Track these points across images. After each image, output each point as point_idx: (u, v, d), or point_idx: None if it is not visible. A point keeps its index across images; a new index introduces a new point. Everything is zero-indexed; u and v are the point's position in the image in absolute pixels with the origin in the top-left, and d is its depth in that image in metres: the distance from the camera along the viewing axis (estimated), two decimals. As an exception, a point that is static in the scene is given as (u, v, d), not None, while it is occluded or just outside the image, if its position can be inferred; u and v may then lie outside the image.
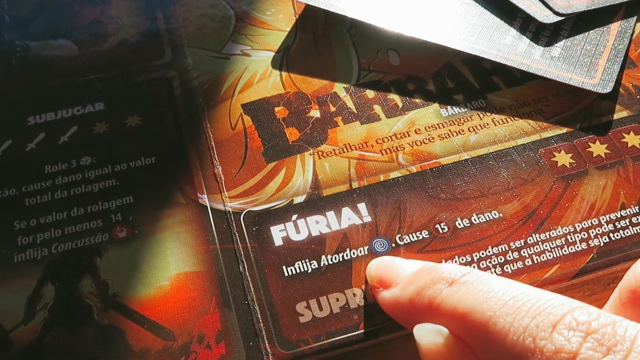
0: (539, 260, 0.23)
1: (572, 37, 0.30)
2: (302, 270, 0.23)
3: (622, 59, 0.29)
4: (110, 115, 0.29)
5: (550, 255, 0.23)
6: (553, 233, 0.24)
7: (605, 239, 0.24)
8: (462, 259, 0.23)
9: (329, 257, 0.24)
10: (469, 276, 0.19)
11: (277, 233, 0.24)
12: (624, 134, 0.27)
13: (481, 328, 0.17)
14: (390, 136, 0.27)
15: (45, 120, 0.29)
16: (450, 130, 0.28)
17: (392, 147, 0.27)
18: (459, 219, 0.25)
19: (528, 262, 0.23)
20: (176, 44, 0.32)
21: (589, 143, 0.27)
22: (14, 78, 0.31)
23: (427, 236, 0.24)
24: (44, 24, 0.33)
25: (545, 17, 0.30)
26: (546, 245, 0.24)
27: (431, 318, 0.19)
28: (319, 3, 0.31)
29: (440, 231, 0.24)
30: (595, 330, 0.16)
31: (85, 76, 0.31)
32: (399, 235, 0.24)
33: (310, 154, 0.27)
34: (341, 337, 0.22)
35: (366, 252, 0.24)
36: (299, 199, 0.25)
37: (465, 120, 0.28)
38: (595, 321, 0.16)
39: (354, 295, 0.23)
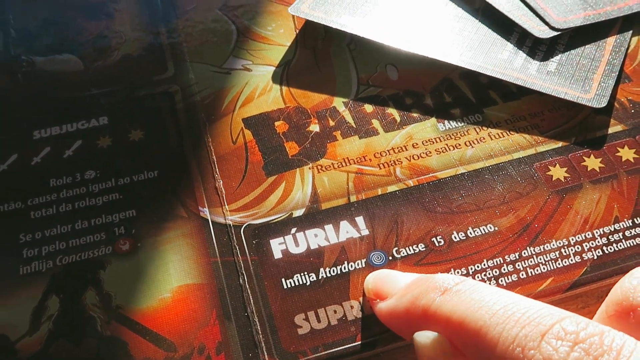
0: (533, 273, 0.24)
1: (568, 52, 0.31)
2: (301, 282, 0.24)
3: (617, 73, 0.30)
4: (113, 130, 0.29)
5: (544, 268, 0.24)
6: (547, 246, 0.24)
7: (598, 252, 0.24)
8: (458, 272, 0.24)
9: (327, 269, 0.24)
10: (461, 285, 0.19)
11: (277, 246, 0.25)
12: (618, 148, 0.28)
13: (472, 337, 0.17)
14: (388, 150, 0.28)
15: (50, 134, 0.29)
16: (447, 144, 0.28)
17: (390, 161, 0.27)
18: (455, 232, 0.25)
19: (522, 275, 0.24)
20: (179, 58, 0.32)
21: (583, 157, 0.27)
22: (20, 93, 0.31)
23: (424, 249, 0.25)
24: (50, 39, 0.34)
25: (541, 32, 0.31)
26: (540, 259, 0.24)
27: (426, 327, 0.19)
28: (319, 19, 0.32)
29: (437, 244, 0.25)
30: (582, 340, 0.16)
31: (90, 91, 0.31)
32: (396, 248, 0.25)
33: (309, 168, 0.27)
34: (339, 348, 0.22)
35: (364, 265, 0.24)
36: (298, 213, 0.26)
37: (462, 134, 0.28)
38: (583, 331, 0.16)
39: (352, 307, 0.23)
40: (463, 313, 0.18)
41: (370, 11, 0.32)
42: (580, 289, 0.23)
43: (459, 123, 0.29)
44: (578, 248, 0.24)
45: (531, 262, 0.24)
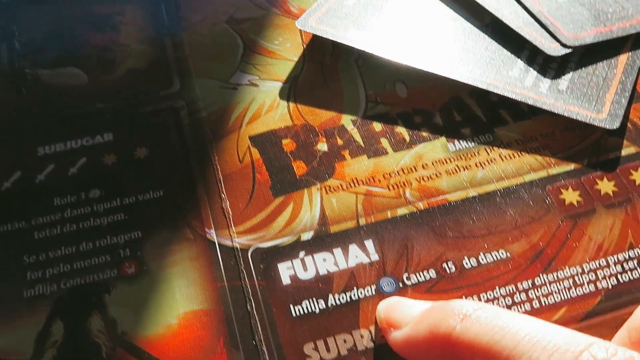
0: (547, 303, 0.23)
1: (580, 70, 0.30)
2: (310, 310, 0.23)
3: (630, 93, 0.29)
4: (118, 147, 0.29)
5: (558, 298, 0.23)
6: (561, 274, 0.24)
7: (613, 281, 0.24)
8: (470, 300, 0.23)
9: (337, 296, 0.24)
10: (480, 312, 0.19)
11: (285, 271, 0.24)
12: (631, 171, 0.27)
13: None
14: (397, 171, 0.27)
15: (54, 151, 0.29)
16: (457, 165, 0.28)
17: (399, 183, 0.27)
18: (466, 257, 0.25)
19: (536, 304, 0.23)
20: (184, 73, 0.32)
21: (596, 180, 0.27)
22: (24, 107, 0.31)
23: (435, 276, 0.24)
24: (54, 52, 0.34)
25: (553, 49, 0.30)
26: (554, 287, 0.24)
27: (448, 355, 0.19)
28: (327, 33, 0.31)
29: (448, 271, 0.24)
30: None
31: (94, 105, 0.31)
32: (406, 274, 0.24)
33: (317, 189, 0.27)
34: (348, 378, 0.22)
35: (374, 292, 0.24)
36: (306, 236, 0.25)
37: (473, 155, 0.28)
38: (614, 357, 0.16)
39: (362, 336, 0.23)
40: (488, 342, 0.17)
41: (378, 26, 0.31)
42: (595, 319, 0.23)
43: (469, 143, 0.28)
44: (592, 276, 0.24)
45: (544, 290, 0.24)
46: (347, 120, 0.30)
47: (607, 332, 0.23)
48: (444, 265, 0.24)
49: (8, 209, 0.27)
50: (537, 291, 0.24)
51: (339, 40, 0.31)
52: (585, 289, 0.24)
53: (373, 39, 0.31)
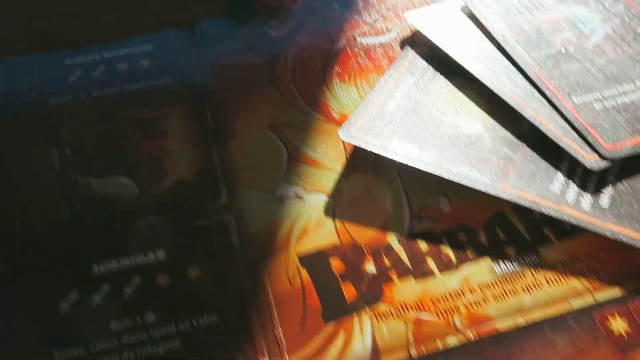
0: None
1: (620, 183, 0.31)
2: None
3: (672, 210, 0.30)
4: (171, 266, 0.30)
5: None
6: (613, 413, 0.24)
7: (665, 421, 0.24)
8: None
9: None
10: None
11: (341, 408, 0.25)
12: (678, 297, 0.27)
13: None
14: (445, 296, 0.28)
15: (109, 269, 0.30)
16: (504, 289, 0.28)
17: (448, 309, 0.28)
18: (518, 393, 0.25)
19: None
20: (231, 183, 0.33)
21: (643, 307, 0.27)
22: (77, 220, 0.32)
23: (488, 415, 0.25)
24: (104, 159, 0.35)
25: (592, 162, 0.31)
26: None
27: None
28: (369, 145, 0.32)
29: (501, 409, 0.25)
30: None
31: (145, 219, 0.32)
32: (460, 411, 0.25)
33: (368, 316, 0.27)
34: None
35: None
36: (359, 368, 0.26)
37: (519, 277, 0.28)
38: None
39: None
40: None
41: (418, 135, 0.32)
42: None
43: (514, 265, 0.29)
44: (644, 416, 0.24)
45: None
46: (392, 238, 0.30)
47: None
48: (497, 402, 0.25)
49: (67, 334, 0.28)
50: None
51: (381, 153, 0.32)
52: None
53: (414, 149, 0.31)
